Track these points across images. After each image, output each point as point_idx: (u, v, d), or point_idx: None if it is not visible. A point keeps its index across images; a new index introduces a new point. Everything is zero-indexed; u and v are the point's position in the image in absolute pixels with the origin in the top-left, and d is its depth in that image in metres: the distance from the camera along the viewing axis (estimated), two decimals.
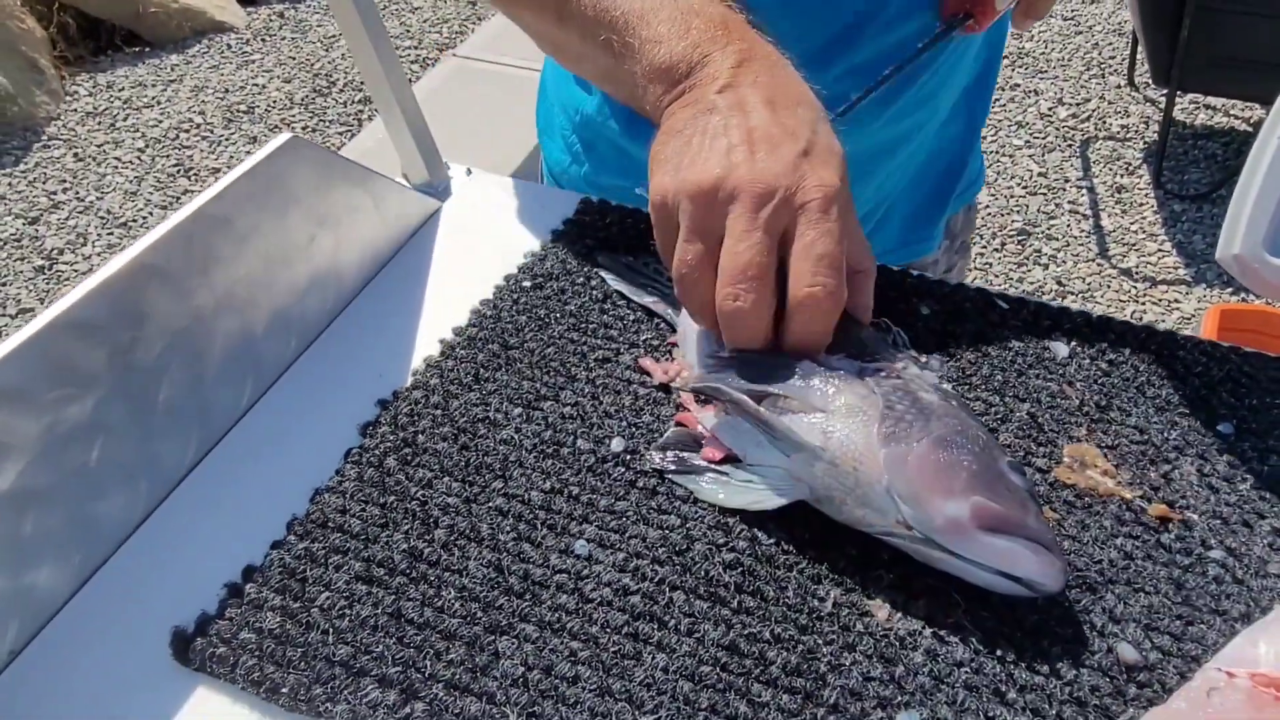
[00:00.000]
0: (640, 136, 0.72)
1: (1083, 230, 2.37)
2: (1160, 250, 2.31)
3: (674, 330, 0.53)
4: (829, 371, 0.44)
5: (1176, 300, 2.17)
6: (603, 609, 0.40)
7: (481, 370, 0.51)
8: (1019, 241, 2.37)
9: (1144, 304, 2.15)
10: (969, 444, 0.41)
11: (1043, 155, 2.62)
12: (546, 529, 0.43)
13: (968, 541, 0.39)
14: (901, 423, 0.41)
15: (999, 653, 0.39)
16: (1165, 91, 2.38)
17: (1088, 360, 0.52)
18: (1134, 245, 2.33)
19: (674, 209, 0.45)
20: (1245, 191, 1.61)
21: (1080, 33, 3.05)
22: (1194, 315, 2.09)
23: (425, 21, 3.16)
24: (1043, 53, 2.99)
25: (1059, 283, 2.21)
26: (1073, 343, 0.53)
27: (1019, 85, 2.86)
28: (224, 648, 0.39)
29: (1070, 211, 2.43)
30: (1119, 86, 2.83)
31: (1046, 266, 2.27)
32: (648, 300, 0.55)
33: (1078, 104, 2.78)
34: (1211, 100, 2.69)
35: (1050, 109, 2.78)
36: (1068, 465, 0.47)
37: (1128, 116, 2.72)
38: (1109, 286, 2.21)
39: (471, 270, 0.58)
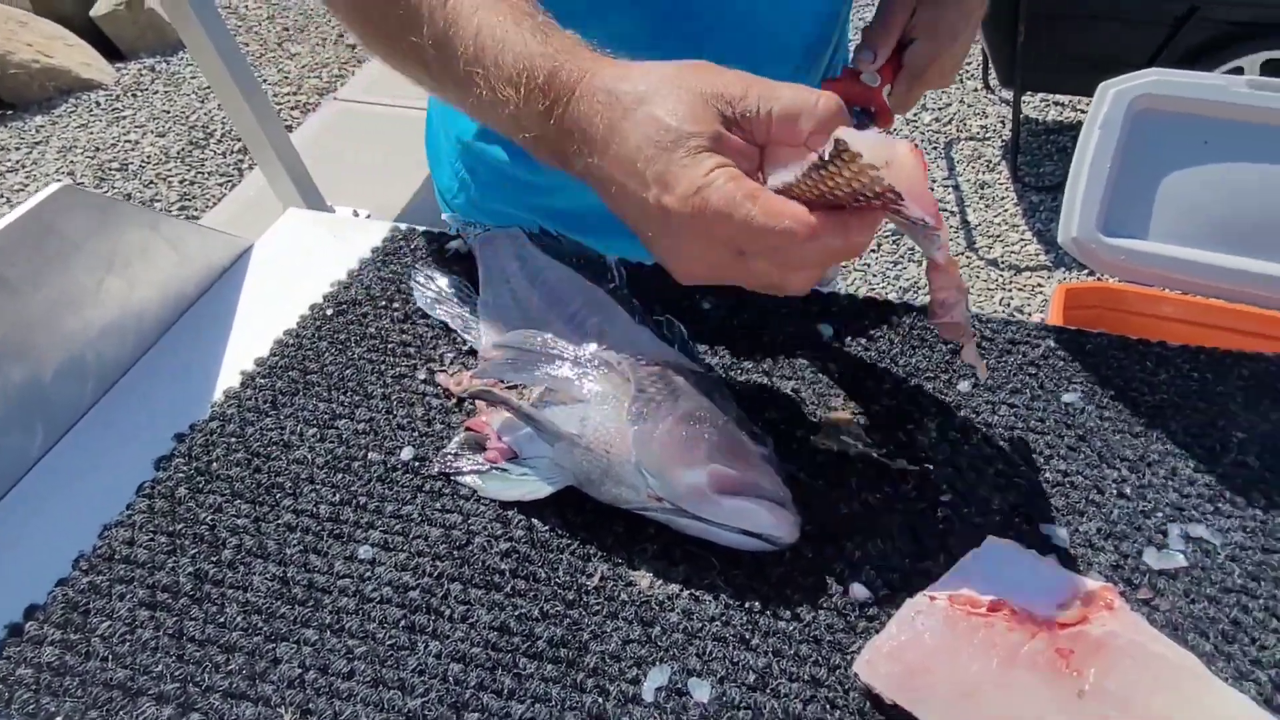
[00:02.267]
0: (519, 157, 0.73)
1: (951, 226, 2.50)
2: (1022, 239, 2.45)
3: (469, 345, 0.56)
4: (589, 364, 0.47)
5: (1039, 285, 2.30)
6: (382, 607, 0.43)
7: (279, 396, 0.53)
8: (894, 241, 2.47)
9: (1010, 291, 2.28)
10: (710, 418, 0.45)
11: None
12: (333, 538, 0.46)
13: (708, 505, 0.43)
14: (650, 404, 0.45)
15: (746, 605, 0.43)
16: (1013, 92, 2.53)
17: (850, 338, 0.57)
18: (998, 237, 2.46)
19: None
20: (1075, 181, 1.74)
21: None
22: None
23: (304, 67, 3.15)
24: None
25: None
26: (837, 323, 0.58)
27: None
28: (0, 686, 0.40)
29: (939, 209, 2.55)
30: (976, 90, 3.00)
31: (920, 262, 2.38)
32: (448, 317, 0.58)
33: (939, 109, 2.93)
34: (1059, 97, 2.87)
35: (915, 115, 2.92)
36: (825, 433, 0.51)
37: (986, 118, 2.89)
38: (978, 277, 2.33)
39: (280, 304, 0.60)
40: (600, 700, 0.39)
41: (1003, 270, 2.36)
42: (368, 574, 0.44)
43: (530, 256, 0.59)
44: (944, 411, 0.52)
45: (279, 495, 0.47)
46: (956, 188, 2.64)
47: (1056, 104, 2.87)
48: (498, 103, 0.45)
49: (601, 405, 0.45)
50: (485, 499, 0.47)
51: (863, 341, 0.57)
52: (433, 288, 0.59)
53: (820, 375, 0.55)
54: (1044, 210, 2.55)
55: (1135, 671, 0.38)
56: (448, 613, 0.42)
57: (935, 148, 2.78)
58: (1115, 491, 0.48)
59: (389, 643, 0.41)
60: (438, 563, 0.44)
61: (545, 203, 0.74)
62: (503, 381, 0.52)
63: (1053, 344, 0.57)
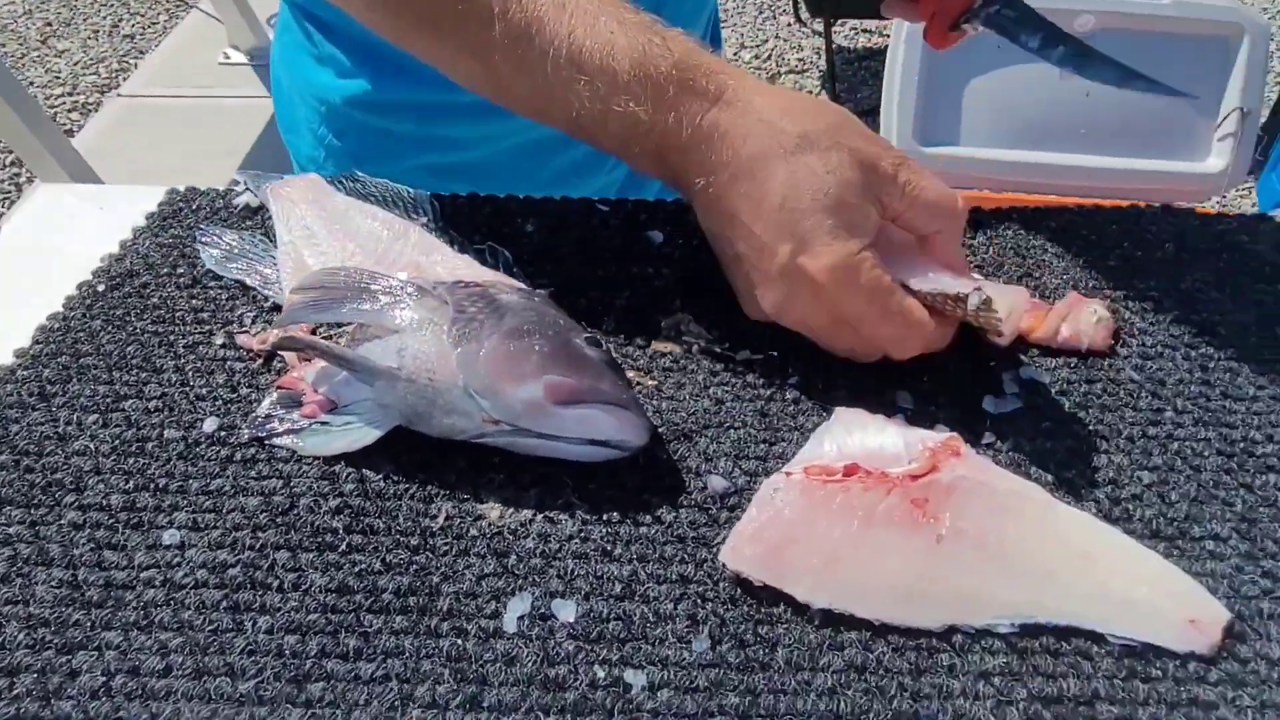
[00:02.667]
0: (402, 112, 0.67)
1: None
2: None
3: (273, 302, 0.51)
4: (401, 291, 0.43)
5: None
6: (197, 592, 0.38)
7: (48, 386, 0.46)
8: None
9: None
10: (539, 329, 0.42)
11: None
12: (130, 529, 0.40)
13: (549, 418, 0.40)
14: (473, 323, 0.41)
15: (605, 517, 0.41)
16: (823, 22, 2.60)
17: (680, 242, 0.55)
18: None
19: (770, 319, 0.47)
20: (889, 99, 1.78)
21: None
22: None
23: (77, 64, 2.84)
24: (720, 5, 3.17)
25: None
26: (668, 229, 0.56)
27: None
28: None
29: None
30: (789, 24, 3.07)
31: None
32: (244, 274, 0.52)
33: (758, 45, 2.98)
34: (868, 24, 2.98)
35: (735, 54, 2.96)
36: (666, 336, 0.49)
37: (802, 50, 2.96)
38: None
39: (41, 290, 0.52)
40: (459, 641, 0.36)
41: None
42: (176, 560, 0.39)
43: (329, 201, 0.54)
44: None
45: (59, 493, 0.41)
46: None
47: (865, 31, 2.98)
48: (603, 113, 0.43)
49: (419, 332, 0.41)
50: (308, 458, 0.43)
51: (693, 245, 0.55)
52: (222, 245, 0.53)
53: (654, 281, 0.53)
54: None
55: (986, 508, 0.39)
56: (275, 584, 0.38)
57: None
58: (951, 348, 0.49)
59: (209, 628, 0.36)
60: (259, 534, 0.40)
61: (441, 159, 0.69)
62: (313, 328, 0.47)
63: None
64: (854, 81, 2.78)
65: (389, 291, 0.43)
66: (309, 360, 0.46)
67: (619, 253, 0.54)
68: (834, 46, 2.69)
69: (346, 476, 0.42)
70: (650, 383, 0.47)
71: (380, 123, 0.68)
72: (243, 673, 0.35)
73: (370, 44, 0.65)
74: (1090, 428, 0.45)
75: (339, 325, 0.47)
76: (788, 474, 0.40)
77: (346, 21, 0.65)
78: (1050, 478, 0.43)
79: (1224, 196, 2.38)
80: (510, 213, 0.57)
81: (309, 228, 0.52)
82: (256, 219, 0.56)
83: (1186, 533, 0.40)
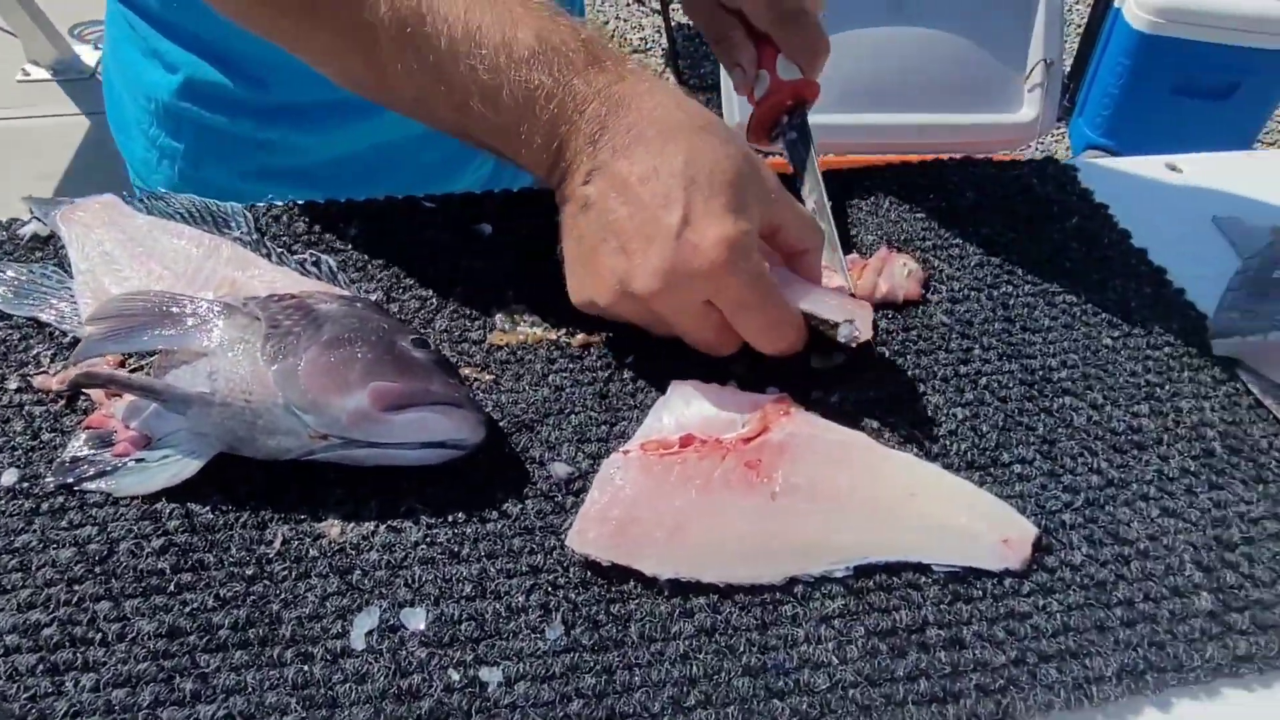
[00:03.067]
0: (239, 110, 0.63)
1: None
2: None
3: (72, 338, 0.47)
4: (207, 311, 0.41)
5: None
6: (6, 660, 0.35)
7: None
8: None
9: None
10: (361, 336, 0.41)
11: None
12: None
13: (380, 426, 0.39)
14: (288, 337, 0.40)
15: (450, 518, 0.40)
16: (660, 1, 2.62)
17: (510, 234, 0.55)
18: None
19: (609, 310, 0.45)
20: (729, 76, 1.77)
21: None
22: None
23: None
24: None
25: None
26: (496, 221, 0.56)
27: None
28: None
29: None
30: (629, 4, 3.08)
31: None
32: (36, 310, 0.48)
33: (598, 28, 2.97)
34: None
35: None
36: (501, 329, 0.49)
37: (643, 30, 2.98)
38: None
39: None
40: (305, 667, 0.35)
41: None
42: None
43: (129, 222, 0.51)
44: None
45: None
46: None
47: None
48: (500, 86, 0.42)
49: (229, 352, 0.39)
50: (125, 499, 0.40)
51: (523, 234, 0.55)
52: (7, 280, 0.49)
53: (486, 275, 0.52)
54: (714, 107, 2.70)
55: (816, 461, 0.41)
56: (98, 637, 0.35)
57: None
58: None
59: (26, 695, 0.34)
60: (75, 587, 0.37)
61: (276, 162, 0.65)
62: (121, 360, 0.44)
63: None
64: (695, 58, 2.82)
65: (193, 313, 0.41)
66: (118, 395, 0.43)
67: (448, 249, 0.54)
68: (674, 24, 2.72)
69: (170, 513, 0.40)
70: (487, 377, 0.46)
71: (215, 121, 0.64)
72: None
73: (199, 34, 0.61)
74: (909, 373, 0.48)
75: (146, 355, 0.44)
76: (625, 453, 0.41)
77: (174, 11, 0.61)
78: (875, 424, 0.45)
79: (1042, 142, 2.56)
80: (332, 217, 0.55)
81: (108, 253, 0.49)
82: (48, 249, 0.52)
83: (997, 460, 0.44)
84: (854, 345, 0.44)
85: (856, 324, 0.43)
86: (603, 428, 0.44)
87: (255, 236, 0.51)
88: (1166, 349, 0.50)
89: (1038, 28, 1.83)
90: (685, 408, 0.43)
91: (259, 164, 0.66)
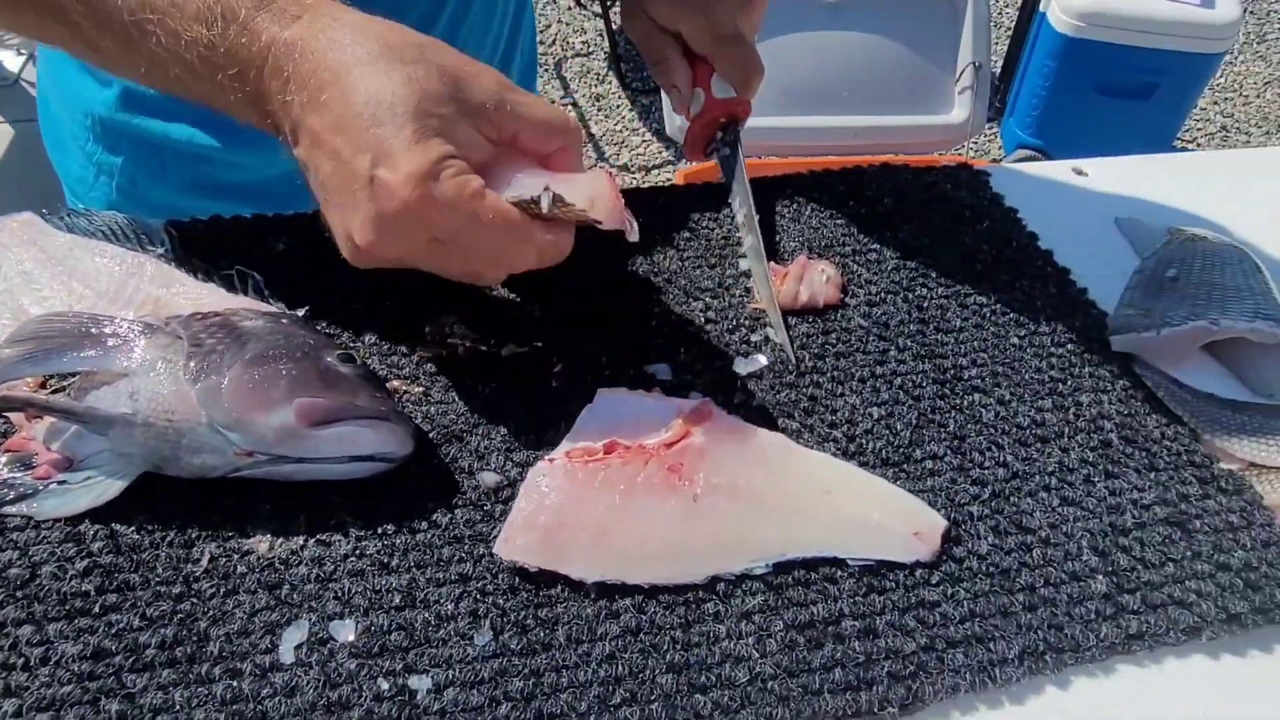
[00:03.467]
0: (177, 116, 0.61)
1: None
2: (644, 141, 2.61)
3: None
4: (127, 331, 0.41)
5: (668, 179, 2.46)
6: None
7: None
8: None
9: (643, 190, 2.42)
10: (286, 352, 0.41)
11: None
12: None
13: (305, 441, 0.39)
14: (211, 355, 0.40)
15: (379, 530, 0.41)
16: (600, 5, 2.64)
17: None
18: (623, 143, 2.59)
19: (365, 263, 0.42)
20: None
21: None
22: None
23: None
24: None
25: None
26: None
27: None
28: None
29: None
30: (570, 8, 3.08)
31: None
32: None
33: (541, 30, 2.98)
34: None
35: None
36: (430, 341, 0.50)
37: (585, 33, 2.99)
38: None
39: None
40: (233, 683, 0.35)
41: (634, 173, 2.49)
42: None
43: (50, 241, 0.50)
44: (544, 289, 0.53)
45: None
46: (575, 104, 2.72)
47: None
48: (181, 49, 0.39)
49: (151, 372, 0.39)
50: (47, 522, 0.40)
51: None
52: None
53: (415, 287, 0.53)
54: (656, 110, 2.72)
55: (734, 462, 0.42)
56: (20, 662, 0.35)
57: (546, 70, 2.84)
58: (702, 320, 0.52)
59: None
60: None
61: (216, 176, 0.64)
62: (42, 381, 0.44)
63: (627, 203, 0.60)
64: (638, 61, 2.84)
65: (114, 333, 0.41)
66: (38, 418, 0.43)
67: None
68: (617, 27, 2.73)
69: (94, 534, 0.40)
70: (417, 389, 0.47)
71: (153, 131, 0.63)
72: None
73: None
74: (828, 374, 0.50)
75: (67, 376, 0.44)
76: (550, 461, 0.42)
77: None
78: (795, 425, 0.47)
79: (975, 142, 2.64)
80: (260, 232, 0.55)
81: (27, 272, 0.48)
82: None
83: (910, 456, 0.46)
84: (596, 220, 0.40)
85: (554, 188, 0.40)
86: (530, 436, 0.45)
87: (179, 254, 0.50)
88: (1069, 345, 0.53)
89: (966, 33, 1.89)
90: (611, 416, 0.45)
91: (198, 177, 0.65)
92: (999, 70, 2.57)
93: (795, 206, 0.61)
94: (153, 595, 0.38)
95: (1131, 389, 0.50)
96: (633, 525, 0.40)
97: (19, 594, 0.37)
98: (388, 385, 0.46)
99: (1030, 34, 2.29)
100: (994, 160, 2.57)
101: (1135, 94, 2.20)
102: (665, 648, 0.37)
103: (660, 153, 2.58)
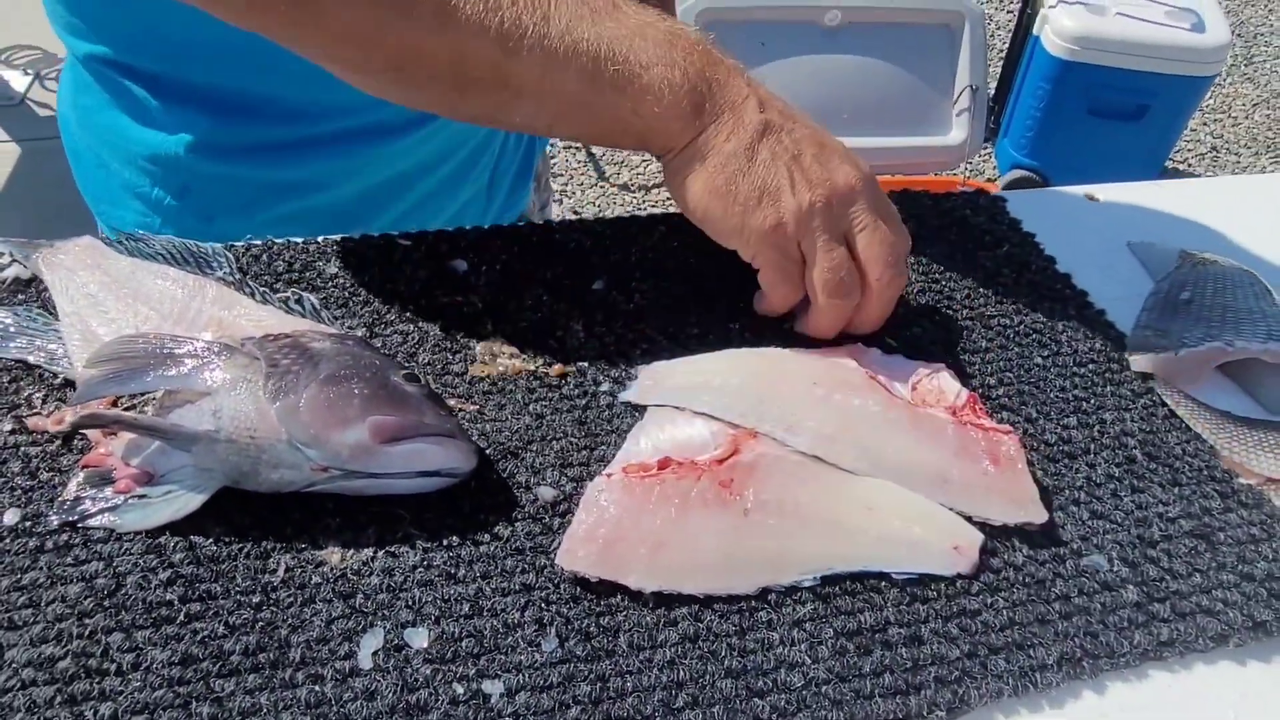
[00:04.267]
0: (254, 154, 0.63)
1: (579, 161, 2.61)
2: (644, 160, 2.64)
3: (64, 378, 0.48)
4: (208, 352, 0.43)
5: (668, 197, 2.50)
6: (25, 693, 0.36)
7: None
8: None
9: (644, 208, 2.45)
10: (356, 373, 0.43)
11: None
12: None
13: (379, 458, 0.41)
14: (288, 376, 0.42)
15: (445, 542, 0.43)
16: None
17: (484, 268, 0.58)
18: (623, 162, 2.63)
19: (794, 234, 0.49)
20: None
21: None
22: None
23: None
24: None
25: (575, 211, 2.41)
26: (471, 256, 0.58)
27: None
28: None
29: (565, 148, 2.66)
30: None
31: (561, 201, 2.47)
32: (24, 352, 0.49)
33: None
34: None
35: None
36: (481, 361, 0.52)
37: None
38: (614, 202, 2.48)
39: None
40: (316, 687, 0.37)
41: (634, 192, 2.52)
42: None
43: (112, 264, 0.52)
44: (584, 311, 0.55)
45: None
46: None
47: None
48: (652, 90, 0.47)
49: (233, 391, 0.41)
50: (127, 535, 0.42)
51: (498, 268, 0.58)
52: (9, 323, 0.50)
53: (463, 310, 0.55)
54: None
55: (783, 480, 0.44)
56: (113, 668, 0.37)
57: None
58: (743, 339, 0.54)
59: None
60: (86, 620, 0.38)
61: (299, 204, 0.66)
62: (114, 400, 0.46)
63: (664, 229, 0.62)
64: None
65: (194, 354, 0.43)
66: (113, 434, 0.44)
67: (425, 285, 0.56)
68: None
69: (174, 547, 0.41)
70: (472, 407, 0.49)
71: (228, 171, 0.64)
72: None
73: (206, 85, 0.62)
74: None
75: (138, 395, 0.46)
76: (608, 475, 0.44)
77: (173, 64, 0.62)
78: None
79: (971, 162, 2.68)
80: (310, 256, 0.57)
81: (93, 295, 0.50)
82: (30, 290, 0.53)
83: None
84: None
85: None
86: (583, 452, 0.47)
87: (238, 276, 0.52)
88: (1090, 366, 0.55)
89: (963, 56, 1.93)
90: (660, 432, 0.47)
91: (270, 212, 0.66)
92: (993, 92, 2.62)
93: None
94: (234, 604, 0.40)
95: (1152, 407, 0.53)
96: (687, 537, 0.42)
97: (106, 603, 0.39)
98: (448, 404, 0.48)
99: (1024, 56, 2.34)
100: (989, 180, 2.61)
101: (1127, 116, 2.24)
102: (723, 654, 0.39)
103: (658, 172, 2.61)
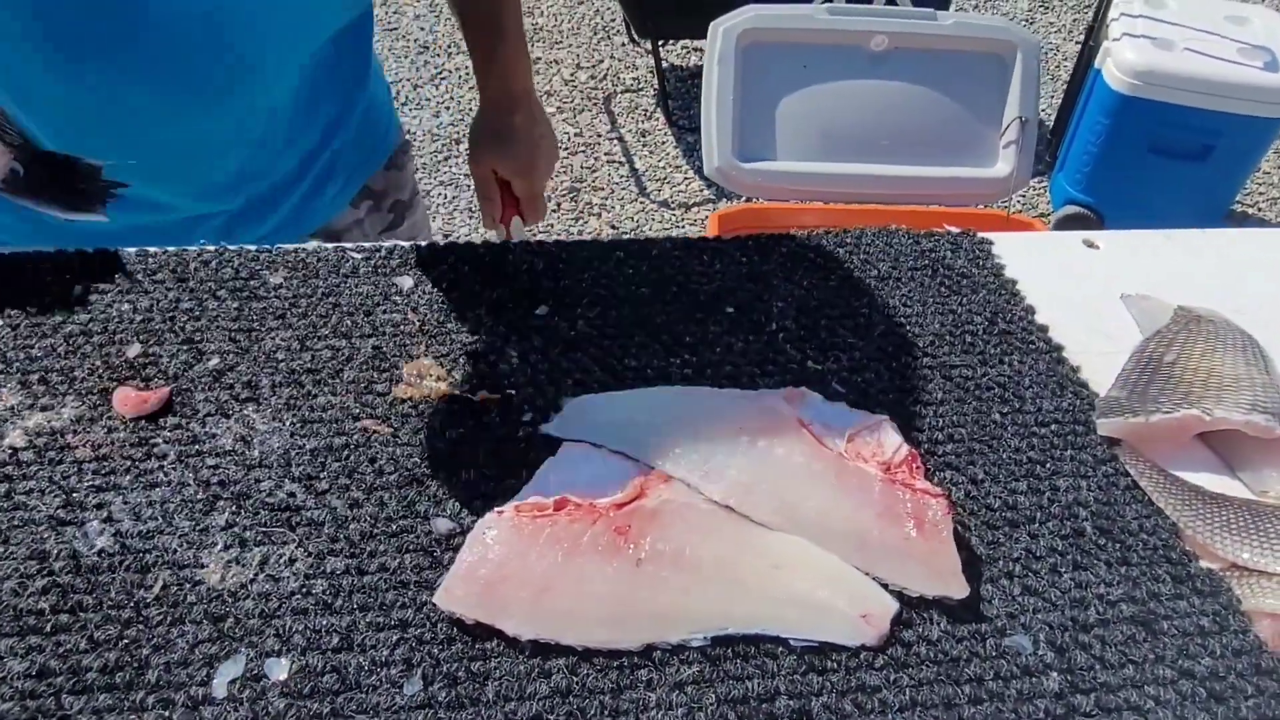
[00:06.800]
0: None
1: (621, 175, 2.61)
2: (685, 178, 2.63)
3: None
4: None
5: (706, 217, 2.47)
6: None
7: None
8: (572, 198, 2.54)
9: (683, 227, 2.43)
10: None
11: (574, 117, 2.83)
12: None
13: None
14: None
15: (328, 569, 0.41)
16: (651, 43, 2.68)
17: (430, 285, 0.57)
18: (665, 179, 2.62)
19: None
20: (708, 118, 1.85)
21: (582, 3, 3.32)
22: None
23: None
24: (554, 26, 3.21)
25: (612, 226, 2.41)
26: (416, 273, 0.57)
27: (540, 58, 3.05)
28: None
29: (608, 161, 2.66)
30: (623, 45, 3.14)
31: (599, 215, 2.47)
32: None
33: (593, 66, 3.04)
34: (700, 43, 3.09)
35: (572, 75, 3.00)
36: (407, 382, 0.50)
37: (636, 69, 3.04)
38: (653, 219, 2.47)
39: None
40: (164, 713, 0.36)
41: (673, 209, 2.51)
42: None
43: None
44: (523, 336, 0.54)
45: None
46: (621, 139, 2.76)
47: (696, 50, 3.08)
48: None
49: None
50: (17, 537, 0.41)
51: (444, 286, 0.57)
52: None
53: (400, 328, 0.54)
54: (700, 149, 2.74)
55: (685, 529, 0.42)
56: None
57: (595, 103, 2.89)
58: (679, 376, 0.52)
59: None
60: None
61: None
62: None
63: (622, 255, 0.60)
64: (687, 99, 2.87)
65: None
66: None
67: (367, 299, 0.55)
68: (667, 65, 2.77)
69: (58, 553, 0.41)
70: (386, 429, 0.48)
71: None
72: None
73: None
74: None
75: None
76: (499, 513, 0.42)
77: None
78: None
79: (1023, 196, 2.60)
80: (259, 264, 0.57)
81: None
82: None
83: None
84: None
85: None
86: (491, 485, 0.46)
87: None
88: (1053, 426, 0.51)
89: (1014, 86, 1.87)
90: (572, 470, 0.45)
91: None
92: (1051, 124, 2.54)
93: (788, 266, 0.61)
94: (103, 618, 0.39)
95: (1113, 476, 0.49)
96: (573, 584, 0.40)
97: None
98: (358, 423, 0.47)
99: (1084, 89, 2.26)
100: (1041, 215, 2.53)
101: (1191, 156, 2.14)
102: (591, 712, 0.37)
103: (700, 190, 2.60)
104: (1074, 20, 3.40)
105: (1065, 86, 2.50)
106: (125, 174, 0.56)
